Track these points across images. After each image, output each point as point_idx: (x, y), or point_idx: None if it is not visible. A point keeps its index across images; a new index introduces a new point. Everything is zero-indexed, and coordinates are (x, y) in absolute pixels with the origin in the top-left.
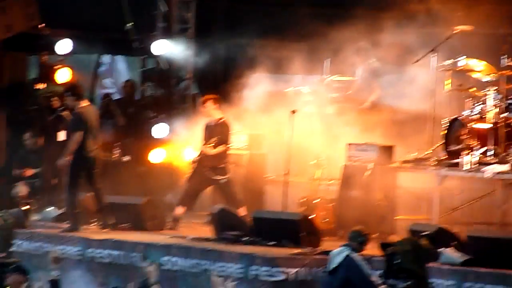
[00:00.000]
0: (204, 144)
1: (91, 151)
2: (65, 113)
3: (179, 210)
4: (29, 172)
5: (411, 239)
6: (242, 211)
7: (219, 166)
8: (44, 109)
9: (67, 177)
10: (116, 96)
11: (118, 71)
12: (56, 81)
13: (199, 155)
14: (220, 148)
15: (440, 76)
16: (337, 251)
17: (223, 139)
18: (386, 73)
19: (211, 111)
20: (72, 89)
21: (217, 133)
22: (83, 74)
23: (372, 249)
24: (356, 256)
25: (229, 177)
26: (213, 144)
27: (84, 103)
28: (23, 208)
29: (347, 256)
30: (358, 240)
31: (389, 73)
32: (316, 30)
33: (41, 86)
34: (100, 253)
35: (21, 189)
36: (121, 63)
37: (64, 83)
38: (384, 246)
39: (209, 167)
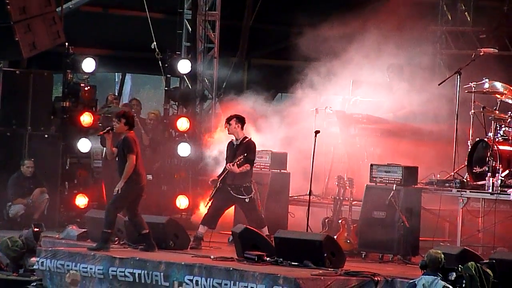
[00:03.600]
0: (228, 163)
1: (144, 179)
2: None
3: (202, 229)
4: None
5: (473, 266)
6: (264, 231)
7: (243, 185)
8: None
9: (115, 198)
10: None
11: (125, 89)
12: (82, 98)
13: (223, 174)
14: (245, 167)
15: (464, 97)
16: (429, 281)
17: (248, 158)
18: (412, 92)
19: (235, 130)
20: (126, 117)
21: (242, 152)
22: (106, 92)
23: (395, 271)
24: (447, 285)
25: (253, 196)
26: (238, 162)
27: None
28: (34, 230)
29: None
30: (442, 265)
31: (415, 93)
32: (342, 50)
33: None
34: (122, 272)
35: (19, 209)
36: (128, 82)
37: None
38: (445, 270)
39: (233, 186)
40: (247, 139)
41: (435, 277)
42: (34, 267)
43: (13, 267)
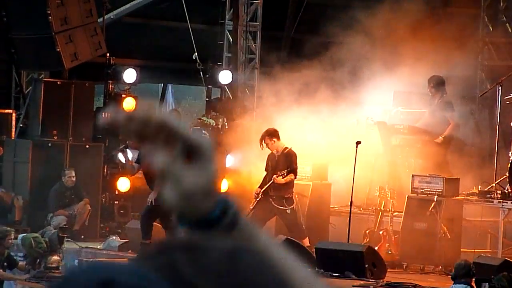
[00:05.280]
0: (268, 174)
1: None
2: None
3: None
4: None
5: (506, 276)
6: (305, 242)
7: (285, 196)
8: None
9: (147, 208)
10: None
11: (166, 100)
12: (123, 109)
13: (264, 185)
14: (288, 178)
15: (506, 108)
16: None
17: (291, 168)
18: (454, 105)
19: (273, 145)
20: None
21: (283, 162)
22: (144, 102)
23: (437, 282)
24: None
25: (294, 207)
26: (283, 177)
27: None
28: (60, 234)
29: None
30: (470, 275)
31: (457, 105)
32: (383, 61)
33: None
34: None
35: (61, 220)
36: (169, 92)
37: None
38: (478, 281)
39: (275, 197)
40: (287, 149)
41: (466, 285)
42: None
43: (30, 261)
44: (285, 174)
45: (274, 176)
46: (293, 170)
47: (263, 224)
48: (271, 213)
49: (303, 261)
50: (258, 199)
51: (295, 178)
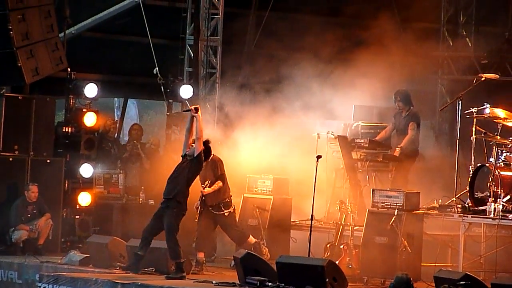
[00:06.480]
0: (202, 186)
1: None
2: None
3: (200, 254)
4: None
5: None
6: (250, 240)
7: (223, 201)
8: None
9: (173, 223)
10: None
11: (130, 115)
12: (84, 124)
13: (200, 198)
14: (216, 186)
15: (465, 123)
16: None
17: (217, 175)
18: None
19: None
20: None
21: (209, 171)
22: (108, 117)
23: None
24: None
25: (232, 210)
26: (208, 187)
27: None
28: None
29: None
30: (409, 286)
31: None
32: (343, 76)
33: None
34: None
35: (22, 234)
36: (132, 107)
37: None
38: None
39: (213, 205)
40: (211, 156)
41: None
42: None
43: None
44: (209, 184)
45: (202, 189)
46: (219, 177)
47: (210, 234)
48: (212, 221)
49: (264, 275)
50: (199, 211)
51: (225, 183)
